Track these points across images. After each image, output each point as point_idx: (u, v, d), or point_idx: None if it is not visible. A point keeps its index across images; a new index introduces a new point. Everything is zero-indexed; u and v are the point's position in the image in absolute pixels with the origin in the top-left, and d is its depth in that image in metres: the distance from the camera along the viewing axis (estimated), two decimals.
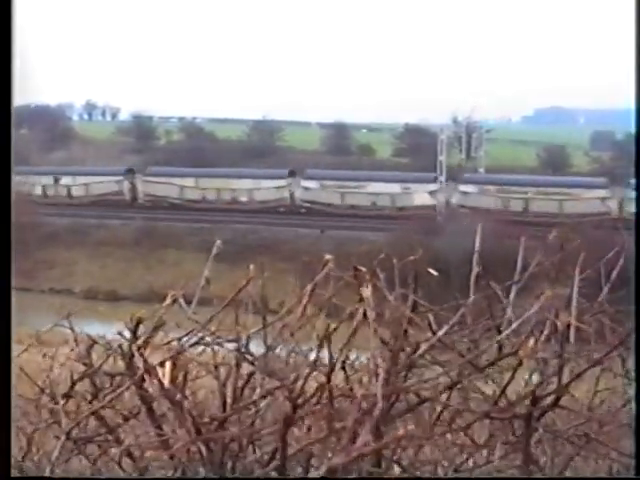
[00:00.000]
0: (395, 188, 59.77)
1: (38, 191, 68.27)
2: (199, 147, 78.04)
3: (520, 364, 3.00)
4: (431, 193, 59.36)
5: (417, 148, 76.42)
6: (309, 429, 2.96)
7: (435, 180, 59.84)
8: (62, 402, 3.26)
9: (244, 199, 63.94)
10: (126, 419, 3.24)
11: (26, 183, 65.79)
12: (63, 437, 3.05)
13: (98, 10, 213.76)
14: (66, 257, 56.52)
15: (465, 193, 58.44)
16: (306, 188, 62.51)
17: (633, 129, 4.10)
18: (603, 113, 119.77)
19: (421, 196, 59.19)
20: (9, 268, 3.16)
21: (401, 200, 59.30)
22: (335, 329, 2.82)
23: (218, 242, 3.33)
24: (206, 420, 2.81)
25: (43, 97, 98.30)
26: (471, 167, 67.22)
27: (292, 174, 63.81)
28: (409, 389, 2.93)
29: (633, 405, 3.47)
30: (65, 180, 68.65)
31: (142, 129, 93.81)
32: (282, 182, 63.41)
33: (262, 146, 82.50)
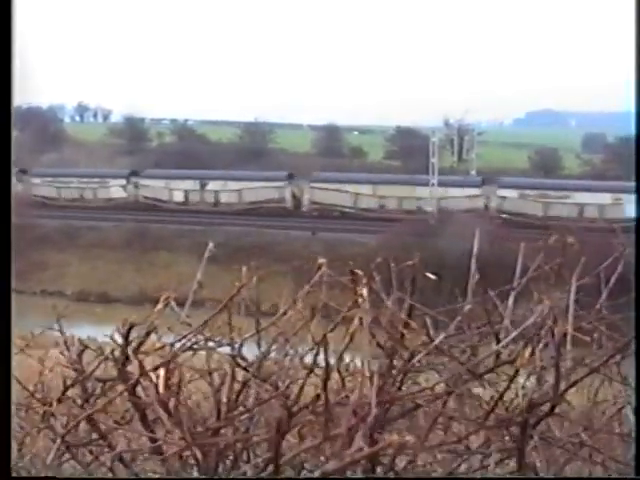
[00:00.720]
0: (605, 198, 54.54)
1: (179, 197, 64.94)
2: (191, 149, 77.87)
3: (517, 373, 2.98)
4: None
5: (409, 150, 76.37)
6: (300, 436, 2.92)
7: None
8: (54, 406, 3.22)
9: (430, 209, 58.17)
10: (118, 424, 3.20)
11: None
12: (58, 440, 3.03)
13: (91, 12, 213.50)
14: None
15: None
16: (503, 197, 57.18)
17: (628, 131, 4.09)
18: (595, 116, 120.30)
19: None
20: (9, 270, 3.13)
21: (612, 211, 51.74)
22: (332, 330, 2.79)
23: (211, 245, 3.26)
24: (200, 430, 2.77)
25: (35, 99, 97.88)
26: (463, 169, 67.25)
27: (486, 182, 59.02)
28: (404, 397, 2.90)
29: (629, 410, 3.46)
30: (213, 185, 64.40)
31: (134, 131, 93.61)
32: (475, 191, 58.45)
33: (254, 148, 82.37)
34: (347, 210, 59.86)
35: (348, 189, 60.30)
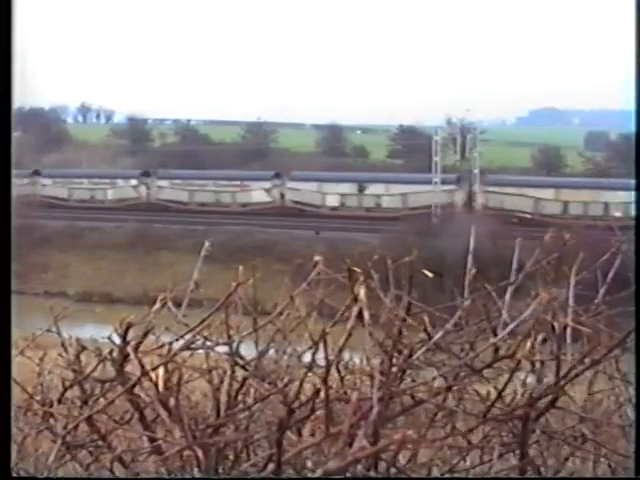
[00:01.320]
0: None
1: (333, 202, 60.45)
2: (194, 149, 77.91)
3: (518, 364, 2.97)
4: None
5: (412, 149, 76.38)
6: (300, 433, 2.92)
7: None
8: (55, 407, 3.22)
9: (618, 214, 51.06)
10: (118, 425, 3.20)
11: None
12: (58, 442, 3.02)
13: (92, 13, 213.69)
14: None
15: None
16: None
17: (630, 129, 4.09)
18: (597, 114, 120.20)
19: None
20: (9, 270, 3.13)
21: None
22: (331, 327, 2.79)
23: (207, 244, 3.24)
24: (201, 427, 2.77)
25: (37, 100, 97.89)
26: (466, 168, 67.24)
27: None
28: (404, 392, 2.89)
29: (629, 408, 3.45)
30: (375, 189, 60.06)
31: (136, 131, 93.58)
32: None
33: (257, 148, 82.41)
34: (525, 215, 54.91)
35: (529, 193, 56.70)
